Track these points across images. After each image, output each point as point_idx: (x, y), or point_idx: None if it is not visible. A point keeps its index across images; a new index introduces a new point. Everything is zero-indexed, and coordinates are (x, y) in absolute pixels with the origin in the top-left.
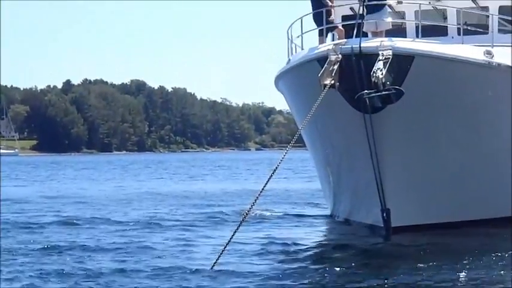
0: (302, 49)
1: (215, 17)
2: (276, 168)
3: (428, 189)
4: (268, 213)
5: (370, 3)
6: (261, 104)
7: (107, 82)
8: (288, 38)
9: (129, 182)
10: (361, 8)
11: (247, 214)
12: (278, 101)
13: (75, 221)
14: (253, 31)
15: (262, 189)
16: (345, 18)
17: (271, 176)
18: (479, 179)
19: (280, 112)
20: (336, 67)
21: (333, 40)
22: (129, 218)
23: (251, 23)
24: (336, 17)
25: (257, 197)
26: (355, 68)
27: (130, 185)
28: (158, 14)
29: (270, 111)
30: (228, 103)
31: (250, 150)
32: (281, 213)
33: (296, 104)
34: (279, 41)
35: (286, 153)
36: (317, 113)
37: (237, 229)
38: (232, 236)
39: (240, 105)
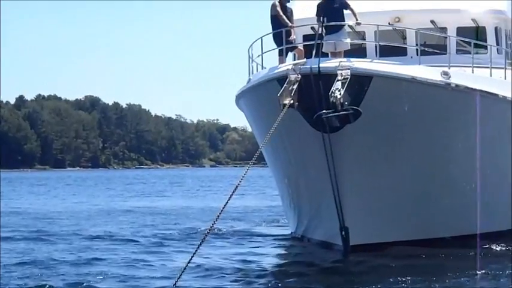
0: (262, 68)
1: (169, 33)
2: (238, 185)
3: (386, 207)
4: (229, 231)
5: (329, 23)
6: (215, 121)
7: (60, 98)
8: (249, 57)
9: (83, 198)
10: (320, 28)
11: (209, 232)
12: (233, 118)
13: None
14: (208, 48)
15: (224, 206)
16: (306, 38)
17: (233, 193)
18: (437, 197)
19: (235, 129)
20: (295, 87)
21: (294, 60)
22: (86, 234)
23: (206, 39)
24: (297, 36)
25: (218, 215)
26: (314, 88)
27: (87, 201)
28: (112, 30)
29: (224, 128)
30: (182, 120)
31: (204, 167)
32: (241, 231)
33: (256, 123)
34: (234, 59)
35: (247, 170)
36: (277, 132)
37: (199, 247)
38: (194, 254)
39: (195, 121)
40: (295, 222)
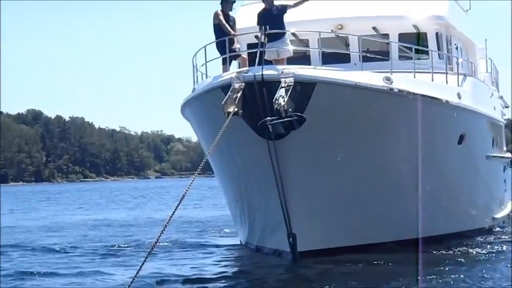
0: (207, 77)
1: (111, 44)
2: (184, 195)
3: (333, 213)
4: (176, 243)
5: (271, 31)
6: (160, 132)
7: (1, 112)
8: (193, 66)
9: (29, 214)
10: (263, 36)
11: (155, 243)
12: (177, 129)
13: None
14: (151, 60)
15: (170, 217)
16: (250, 46)
17: (179, 203)
18: (384, 202)
19: (180, 140)
20: (239, 95)
21: (239, 68)
22: (32, 246)
23: (149, 51)
24: (242, 45)
25: (165, 226)
26: (257, 95)
27: (32, 215)
28: (53, 42)
29: (169, 139)
30: (126, 131)
31: (150, 178)
32: (189, 242)
33: (202, 132)
34: (178, 70)
35: (193, 180)
36: (223, 140)
37: (146, 259)
38: (141, 266)
39: (139, 133)
40: (243, 231)
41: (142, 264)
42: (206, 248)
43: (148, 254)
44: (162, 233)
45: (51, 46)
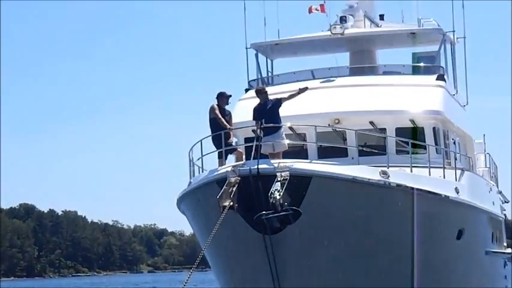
0: (203, 171)
1: (102, 136)
2: None
3: None
4: None
5: (267, 125)
6: (152, 226)
7: None
8: (190, 160)
9: None
10: (259, 130)
11: None
12: (170, 223)
13: None
14: (144, 154)
15: None
16: (247, 140)
17: None
18: None
19: (173, 233)
20: (234, 188)
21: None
22: None
23: (142, 142)
24: (239, 139)
25: None
26: (253, 189)
27: None
28: (44, 134)
29: (162, 233)
30: (119, 225)
31: (142, 272)
32: None
33: (198, 226)
34: (170, 161)
35: (190, 275)
36: (218, 234)
37: None
38: None
39: (132, 227)
40: None
41: None
42: None
43: None
44: None
45: (42, 138)
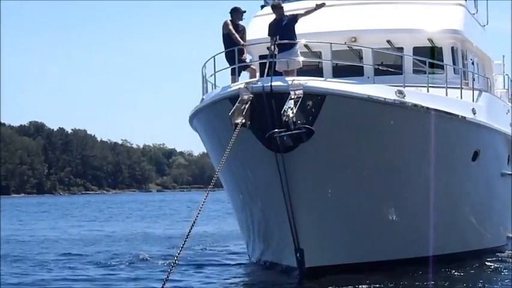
0: (215, 88)
1: (115, 56)
2: (200, 211)
3: (341, 229)
4: (184, 259)
5: (281, 41)
6: (161, 146)
7: (4, 124)
8: (202, 77)
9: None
10: (273, 46)
11: (176, 261)
12: (179, 143)
13: None
14: (155, 72)
15: (189, 233)
16: (262, 57)
17: (196, 219)
18: (393, 218)
19: (181, 153)
20: (247, 106)
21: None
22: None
23: (151, 63)
24: (254, 56)
25: (184, 242)
26: (266, 107)
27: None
28: (56, 53)
29: (170, 153)
30: (128, 144)
31: (151, 191)
32: (197, 258)
33: (210, 143)
34: (180, 83)
35: (207, 195)
36: (231, 152)
37: (168, 276)
38: (164, 282)
39: (141, 146)
40: (251, 247)
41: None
42: (214, 263)
43: (171, 270)
44: (181, 249)
45: (55, 58)
